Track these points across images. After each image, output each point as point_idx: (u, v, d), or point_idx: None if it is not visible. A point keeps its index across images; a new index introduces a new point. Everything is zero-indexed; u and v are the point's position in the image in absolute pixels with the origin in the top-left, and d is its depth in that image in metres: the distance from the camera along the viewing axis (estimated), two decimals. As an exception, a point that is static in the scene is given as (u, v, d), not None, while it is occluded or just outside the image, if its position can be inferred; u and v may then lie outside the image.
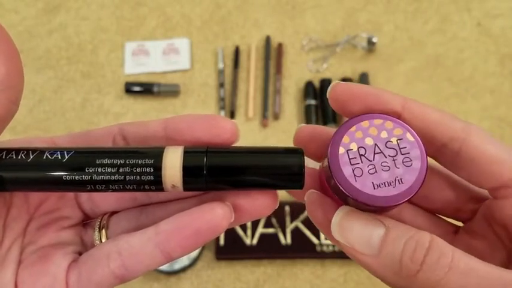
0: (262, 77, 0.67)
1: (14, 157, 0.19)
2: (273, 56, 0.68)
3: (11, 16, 0.71)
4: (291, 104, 0.66)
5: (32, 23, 0.70)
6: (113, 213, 0.22)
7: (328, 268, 0.56)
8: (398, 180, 0.18)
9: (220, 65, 0.67)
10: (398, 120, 0.19)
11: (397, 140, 0.18)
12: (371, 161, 0.18)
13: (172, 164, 0.19)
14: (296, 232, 0.56)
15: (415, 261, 0.16)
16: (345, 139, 0.18)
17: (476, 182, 0.19)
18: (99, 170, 0.19)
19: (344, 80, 0.65)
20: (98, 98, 0.66)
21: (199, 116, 0.20)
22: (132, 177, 0.19)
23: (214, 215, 0.18)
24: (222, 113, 0.65)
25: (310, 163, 0.21)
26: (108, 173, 0.19)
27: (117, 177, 0.19)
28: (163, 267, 0.54)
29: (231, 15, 0.71)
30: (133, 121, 0.21)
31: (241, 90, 0.66)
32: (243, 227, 0.57)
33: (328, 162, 0.18)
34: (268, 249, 0.56)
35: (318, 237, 0.56)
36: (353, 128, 0.19)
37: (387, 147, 0.18)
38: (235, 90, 0.66)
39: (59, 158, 0.19)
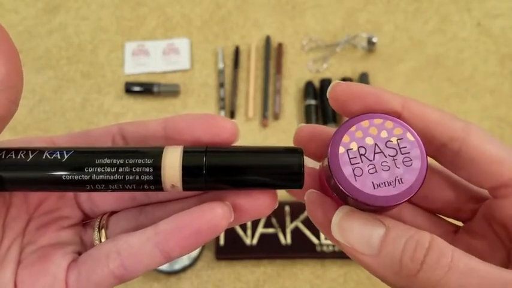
0: (262, 77, 0.67)
1: (14, 157, 0.19)
2: (273, 56, 0.68)
3: (11, 16, 0.71)
4: (291, 104, 0.66)
5: (32, 23, 0.70)
6: (113, 213, 0.22)
7: (328, 268, 0.56)
8: (399, 180, 0.18)
9: (220, 65, 0.67)
10: (399, 120, 0.19)
11: (397, 140, 0.18)
12: (371, 160, 0.18)
13: (172, 163, 0.19)
14: (296, 232, 0.56)
15: (415, 261, 0.16)
16: (345, 139, 0.18)
17: (476, 181, 0.19)
18: (99, 169, 0.19)
19: (344, 79, 0.65)
20: (98, 98, 0.66)
21: (199, 116, 0.20)
22: (131, 177, 0.19)
23: (214, 215, 0.18)
24: (222, 113, 0.65)
25: (310, 163, 0.21)
26: (107, 173, 0.19)
27: (116, 177, 0.19)
28: (163, 267, 0.54)
29: (231, 15, 0.71)
30: (132, 121, 0.21)
31: (241, 90, 0.66)
32: (243, 227, 0.57)
33: (328, 161, 0.18)
34: (268, 249, 0.56)
35: (318, 237, 0.56)
36: (353, 128, 0.19)
37: (387, 147, 0.18)
38: (235, 90, 0.66)
39: (59, 157, 0.19)
